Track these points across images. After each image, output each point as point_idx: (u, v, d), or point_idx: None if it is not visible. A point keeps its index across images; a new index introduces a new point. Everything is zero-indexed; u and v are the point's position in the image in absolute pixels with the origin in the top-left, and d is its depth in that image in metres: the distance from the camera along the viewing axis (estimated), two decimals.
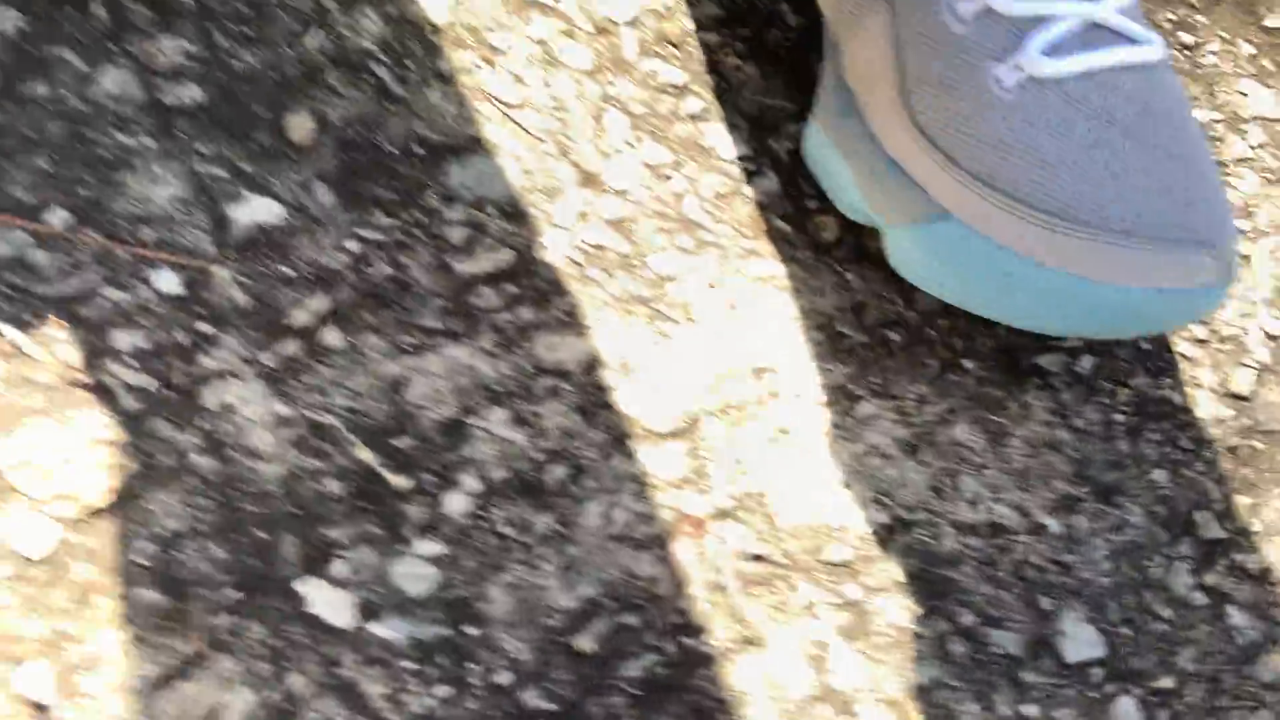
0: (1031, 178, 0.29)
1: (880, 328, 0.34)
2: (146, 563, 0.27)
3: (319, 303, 0.31)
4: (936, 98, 0.30)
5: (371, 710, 0.27)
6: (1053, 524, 0.33)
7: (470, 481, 0.30)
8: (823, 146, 0.34)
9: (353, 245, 0.32)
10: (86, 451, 0.28)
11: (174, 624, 0.27)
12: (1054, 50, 0.30)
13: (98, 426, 0.29)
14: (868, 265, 0.35)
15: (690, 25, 0.38)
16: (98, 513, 0.28)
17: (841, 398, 0.33)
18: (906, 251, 0.32)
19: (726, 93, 0.37)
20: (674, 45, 0.38)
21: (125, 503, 0.28)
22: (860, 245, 0.36)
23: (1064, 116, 0.29)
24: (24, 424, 0.28)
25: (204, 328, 0.30)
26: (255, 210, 0.32)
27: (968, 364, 0.34)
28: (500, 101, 0.35)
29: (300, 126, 0.33)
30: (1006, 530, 0.32)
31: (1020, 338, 0.35)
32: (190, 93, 0.33)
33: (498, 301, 0.32)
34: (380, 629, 0.28)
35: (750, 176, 0.36)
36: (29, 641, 0.26)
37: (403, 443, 0.30)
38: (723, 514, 0.31)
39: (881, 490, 0.32)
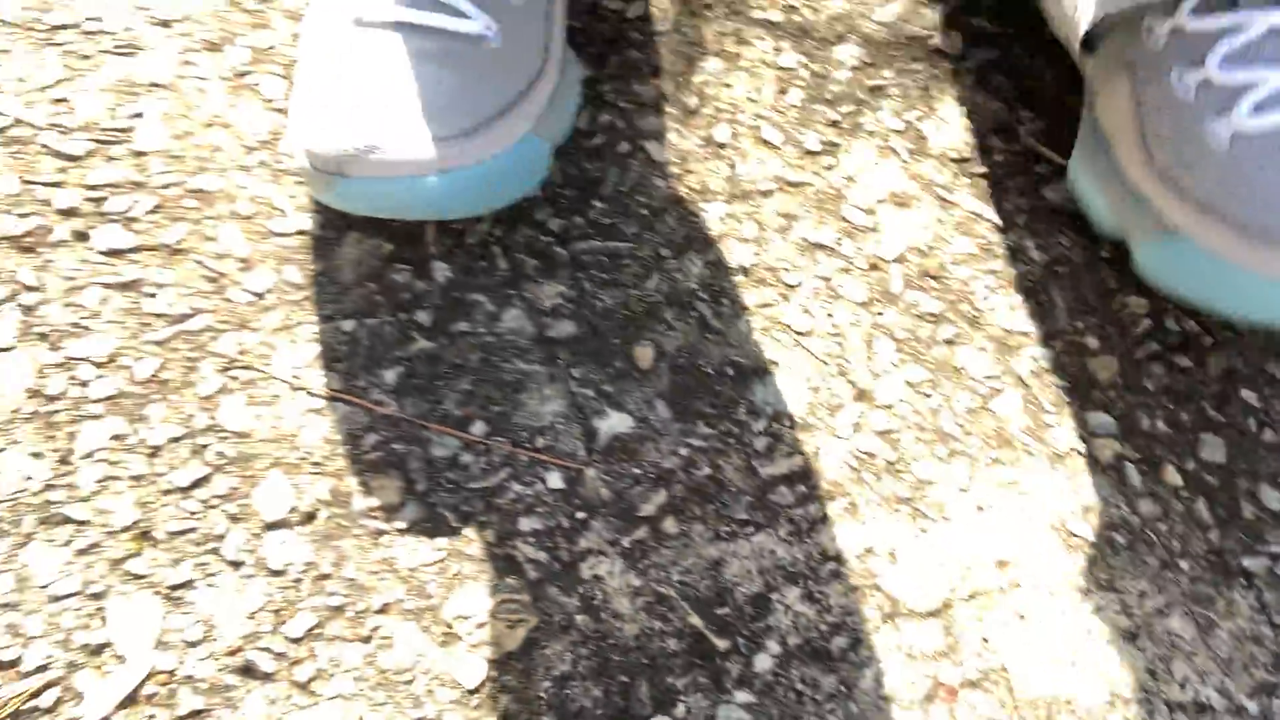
0: (1242, 205, 0.37)
1: (1107, 529, 0.42)
2: (545, 697, 0.38)
3: (659, 497, 0.42)
4: (1168, 146, 0.39)
5: None
6: (1251, 706, 0.39)
7: (774, 645, 0.39)
8: (1083, 177, 0.43)
9: (683, 450, 0.42)
10: (503, 608, 0.39)
11: None
12: (1258, 110, 0.38)
13: (509, 590, 0.40)
14: (1098, 473, 0.43)
15: (948, 260, 0.47)
16: (512, 655, 0.39)
17: (1072, 590, 0.41)
18: (1148, 258, 0.40)
19: (976, 320, 0.46)
20: (933, 278, 0.46)
21: (530, 649, 0.39)
22: (1092, 456, 0.43)
23: (1267, 159, 0.38)
24: (462, 586, 0.40)
25: (580, 515, 0.41)
26: (614, 423, 0.43)
27: (1183, 564, 0.41)
28: (793, 330, 0.45)
29: (644, 354, 0.44)
30: (1211, 710, 0.39)
31: (1230, 541, 0.42)
32: (566, 327, 0.44)
33: (792, 499, 0.42)
34: None
35: (995, 394, 0.44)
36: None
37: (722, 611, 0.40)
38: (971, 684, 0.39)
39: (1104, 670, 0.39)
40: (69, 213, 0.46)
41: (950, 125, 0.50)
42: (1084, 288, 0.46)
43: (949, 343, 0.45)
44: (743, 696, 0.39)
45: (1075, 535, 0.42)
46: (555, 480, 0.42)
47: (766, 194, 0.48)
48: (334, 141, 0.39)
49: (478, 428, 0.42)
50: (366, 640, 0.39)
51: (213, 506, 0.41)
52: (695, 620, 0.40)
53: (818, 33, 0.51)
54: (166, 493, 0.41)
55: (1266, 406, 0.44)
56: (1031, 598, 0.41)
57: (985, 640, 0.40)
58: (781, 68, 0.50)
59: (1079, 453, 0.43)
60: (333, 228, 0.45)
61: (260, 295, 0.44)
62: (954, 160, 0.49)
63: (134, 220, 0.46)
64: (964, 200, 0.48)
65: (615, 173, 0.48)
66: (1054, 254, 0.47)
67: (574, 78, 0.46)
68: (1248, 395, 0.44)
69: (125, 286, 0.44)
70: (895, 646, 0.40)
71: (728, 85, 0.50)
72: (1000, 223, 0.48)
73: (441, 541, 0.40)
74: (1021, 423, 0.44)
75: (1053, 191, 0.48)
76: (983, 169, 0.49)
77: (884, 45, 0.51)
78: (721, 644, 0.39)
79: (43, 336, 0.43)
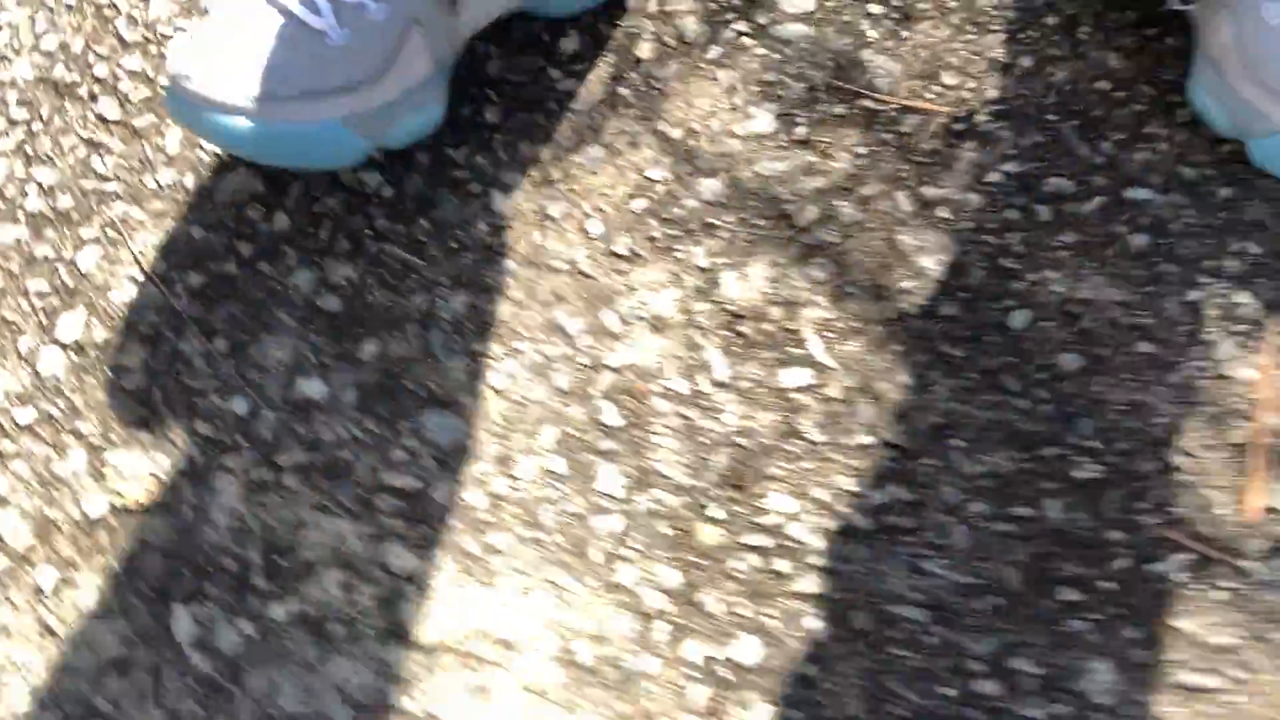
0: None
1: (603, 663, 0.45)
2: (125, 549, 0.49)
3: (300, 455, 0.50)
4: (1267, 64, 0.49)
5: None
6: None
7: (293, 606, 0.47)
8: (1202, 96, 0.53)
9: (342, 432, 0.51)
10: (149, 478, 0.50)
11: None
12: None
13: (160, 466, 0.51)
14: (631, 616, 0.46)
15: (657, 390, 0.51)
16: (128, 511, 0.50)
17: (538, 693, 0.45)
18: (1263, 153, 0.52)
19: (634, 449, 0.50)
20: (632, 398, 0.51)
21: (142, 513, 0.50)
22: (637, 599, 0.46)
23: None
24: (134, 447, 0.51)
25: (240, 440, 0.51)
26: (311, 387, 0.52)
27: None
28: (491, 386, 0.51)
29: (369, 349, 0.53)
30: None
31: None
32: (333, 303, 0.54)
33: (389, 509, 0.49)
34: None
35: (604, 512, 0.48)
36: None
37: (280, 560, 0.48)
38: None
39: None
40: (99, 81, 0.61)
41: (748, 283, 0.53)
42: (748, 466, 0.49)
43: (601, 453, 0.50)
44: (244, 626, 0.47)
45: (572, 652, 0.46)
46: (242, 406, 0.52)
47: (555, 271, 0.54)
48: (171, 61, 0.51)
49: (220, 344, 0.53)
50: (54, 447, 0.51)
51: (37, 311, 0.55)
52: (255, 556, 0.48)
53: (699, 161, 0.56)
54: (20, 294, 0.55)
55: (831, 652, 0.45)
56: (503, 682, 0.45)
57: (425, 693, 0.45)
58: (647, 178, 0.56)
59: (630, 591, 0.47)
60: (237, 160, 0.58)
61: (162, 188, 0.57)
62: (728, 312, 0.52)
63: (129, 103, 0.60)
64: (707, 348, 0.51)
65: (453, 205, 0.56)
66: (743, 427, 0.50)
67: (428, 104, 0.54)
68: (812, 624, 0.45)
69: (93, 145, 0.59)
70: (363, 655, 0.46)
71: (593, 174, 0.56)
72: (725, 380, 0.51)
73: (143, 412, 0.52)
74: (560, 541, 0.48)
75: (790, 376, 0.51)
76: (746, 329, 0.52)
77: (746, 194, 0.55)
78: (259, 583, 0.48)
79: (26, 157, 0.59)
